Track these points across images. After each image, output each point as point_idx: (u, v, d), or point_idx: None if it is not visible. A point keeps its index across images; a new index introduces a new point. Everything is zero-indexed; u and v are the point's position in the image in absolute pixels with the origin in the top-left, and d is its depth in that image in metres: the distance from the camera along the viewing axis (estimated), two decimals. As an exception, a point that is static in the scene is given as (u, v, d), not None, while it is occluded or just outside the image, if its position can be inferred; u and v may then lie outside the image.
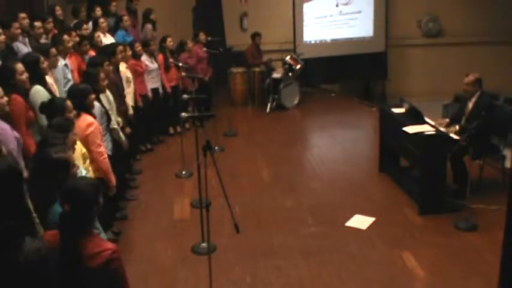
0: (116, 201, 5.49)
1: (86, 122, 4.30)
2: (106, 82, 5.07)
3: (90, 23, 7.63)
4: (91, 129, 4.30)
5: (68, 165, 3.12)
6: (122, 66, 6.41)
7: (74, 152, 3.60)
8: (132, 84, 6.65)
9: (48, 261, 2.36)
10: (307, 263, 4.67)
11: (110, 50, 6.07)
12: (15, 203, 2.63)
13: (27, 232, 2.42)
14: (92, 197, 2.58)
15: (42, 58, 4.62)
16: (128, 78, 6.51)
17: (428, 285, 4.37)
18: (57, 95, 4.82)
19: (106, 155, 4.46)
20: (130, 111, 6.39)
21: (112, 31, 7.83)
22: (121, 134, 5.33)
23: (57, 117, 3.77)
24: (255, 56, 10.11)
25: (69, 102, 4.01)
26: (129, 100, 6.45)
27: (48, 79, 4.87)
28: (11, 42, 5.43)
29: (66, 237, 2.51)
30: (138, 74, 7.08)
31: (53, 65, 5.17)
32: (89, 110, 4.41)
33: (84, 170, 3.77)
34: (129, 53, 6.61)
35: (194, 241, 4.98)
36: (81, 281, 2.48)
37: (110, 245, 2.57)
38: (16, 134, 3.79)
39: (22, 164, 3.69)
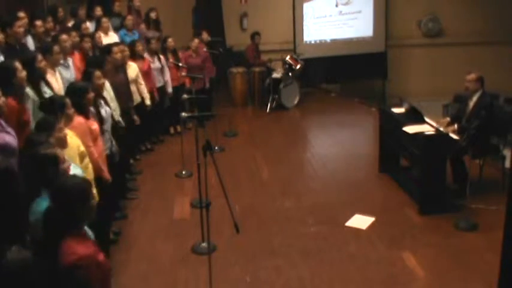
0: (115, 201, 5.49)
1: (75, 122, 4.21)
2: (102, 81, 5.04)
3: (90, 23, 7.62)
4: (80, 129, 4.23)
5: (57, 160, 3.08)
6: (130, 65, 6.60)
7: (64, 149, 3.57)
8: (142, 81, 6.90)
9: (33, 273, 2.21)
10: (307, 263, 4.67)
11: (107, 49, 6.13)
12: (5, 207, 2.52)
13: (15, 238, 2.31)
14: (78, 198, 2.54)
15: (39, 57, 4.58)
16: (137, 75, 6.76)
17: (428, 285, 4.38)
18: (62, 93, 4.78)
19: (96, 155, 4.37)
20: (148, 102, 6.98)
21: (118, 30, 7.86)
22: (114, 143, 5.17)
23: (42, 116, 3.76)
24: (254, 55, 10.11)
25: (68, 99, 4.00)
26: (145, 92, 6.93)
27: (50, 78, 4.86)
28: (14, 42, 5.42)
29: (49, 233, 2.49)
30: (143, 73, 7.08)
31: (55, 63, 5.15)
32: (83, 109, 4.34)
33: (79, 168, 3.75)
34: (127, 52, 6.58)
35: (194, 241, 4.98)
36: (54, 279, 2.43)
37: (83, 251, 2.46)
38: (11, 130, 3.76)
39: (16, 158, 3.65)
